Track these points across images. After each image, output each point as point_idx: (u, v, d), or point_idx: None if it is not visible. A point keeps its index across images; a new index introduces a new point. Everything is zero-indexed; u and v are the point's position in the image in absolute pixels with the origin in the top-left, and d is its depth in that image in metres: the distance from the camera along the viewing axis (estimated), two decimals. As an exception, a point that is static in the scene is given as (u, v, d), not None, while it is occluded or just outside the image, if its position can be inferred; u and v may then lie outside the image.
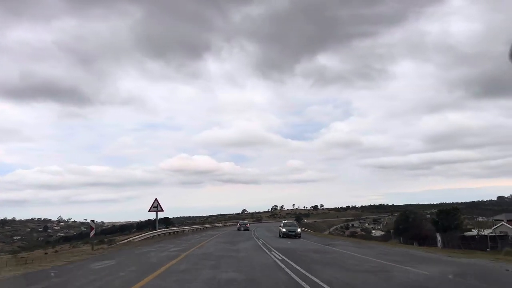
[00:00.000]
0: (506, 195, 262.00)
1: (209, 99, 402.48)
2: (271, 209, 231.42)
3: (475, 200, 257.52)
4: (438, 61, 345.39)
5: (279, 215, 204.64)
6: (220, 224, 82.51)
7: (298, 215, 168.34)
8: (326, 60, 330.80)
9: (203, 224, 79.41)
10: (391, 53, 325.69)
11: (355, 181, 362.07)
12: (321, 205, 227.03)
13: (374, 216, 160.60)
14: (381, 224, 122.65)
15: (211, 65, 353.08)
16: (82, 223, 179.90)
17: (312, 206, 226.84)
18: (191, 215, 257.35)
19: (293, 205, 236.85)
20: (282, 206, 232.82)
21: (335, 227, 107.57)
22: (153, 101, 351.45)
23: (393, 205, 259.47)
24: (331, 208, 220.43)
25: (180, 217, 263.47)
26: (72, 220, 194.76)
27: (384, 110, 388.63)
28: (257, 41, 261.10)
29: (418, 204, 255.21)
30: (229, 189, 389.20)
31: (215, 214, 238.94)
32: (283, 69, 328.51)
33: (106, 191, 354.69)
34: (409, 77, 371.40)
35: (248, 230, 50.71)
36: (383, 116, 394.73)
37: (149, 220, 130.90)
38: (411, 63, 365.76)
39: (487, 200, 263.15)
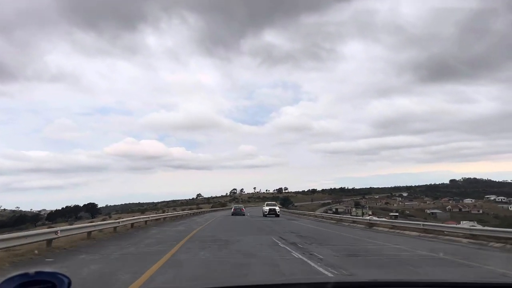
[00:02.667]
0: (457, 178, 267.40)
1: (152, 78, 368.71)
2: (230, 193, 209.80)
3: (431, 183, 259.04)
4: (387, 42, 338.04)
5: (240, 199, 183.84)
6: (187, 212, 56.82)
7: (263, 197, 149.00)
8: (274, 37, 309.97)
9: (154, 211, 56.63)
10: (340, 32, 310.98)
11: (307, 166, 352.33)
12: (285, 188, 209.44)
13: (346, 199, 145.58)
14: (367, 207, 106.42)
15: (150, 38, 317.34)
16: (13, 211, 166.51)
17: (276, 189, 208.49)
18: (142, 202, 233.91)
19: (254, 188, 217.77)
20: (242, 190, 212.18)
21: (321, 210, 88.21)
22: (89, 79, 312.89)
23: (353, 188, 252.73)
24: (298, 192, 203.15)
25: (130, 203, 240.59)
26: (1, 208, 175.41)
27: (334, 94, 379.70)
28: (199, 12, 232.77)
29: (377, 188, 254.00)
30: (181, 175, 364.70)
31: (168, 200, 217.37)
32: (229, 46, 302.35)
33: (49, 178, 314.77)
34: (358, 59, 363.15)
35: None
36: (333, 100, 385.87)
37: (76, 206, 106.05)
38: (360, 44, 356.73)
39: (439, 183, 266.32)
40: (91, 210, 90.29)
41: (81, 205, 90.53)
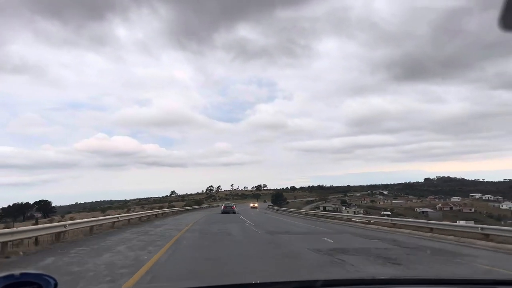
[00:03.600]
0: (431, 177, 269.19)
1: (123, 72, 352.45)
2: (207, 190, 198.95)
3: (407, 182, 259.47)
4: (362, 39, 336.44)
5: (217, 197, 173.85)
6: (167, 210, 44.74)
7: (242, 195, 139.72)
8: (248, 31, 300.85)
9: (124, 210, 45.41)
10: (314, 28, 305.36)
11: (283, 163, 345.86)
12: (264, 185, 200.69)
13: (331, 197, 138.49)
14: (355, 206, 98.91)
15: (119, 29, 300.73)
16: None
17: (255, 187, 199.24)
18: (114, 199, 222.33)
19: (232, 185, 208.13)
20: (219, 187, 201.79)
21: (307, 208, 79.46)
22: (55, 71, 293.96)
23: (331, 186, 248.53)
24: (278, 189, 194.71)
25: (102, 201, 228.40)
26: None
27: (309, 92, 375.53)
28: (170, 2, 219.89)
29: (355, 186, 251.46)
30: (155, 172, 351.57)
31: (140, 197, 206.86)
32: (202, 39, 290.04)
33: (16, 174, 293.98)
34: (333, 56, 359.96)
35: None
36: (308, 98, 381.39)
37: (26, 204, 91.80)
38: (335, 40, 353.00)
39: (414, 182, 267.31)
40: (43, 209, 78.14)
41: (33, 202, 78.41)
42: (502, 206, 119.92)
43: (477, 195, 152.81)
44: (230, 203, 53.26)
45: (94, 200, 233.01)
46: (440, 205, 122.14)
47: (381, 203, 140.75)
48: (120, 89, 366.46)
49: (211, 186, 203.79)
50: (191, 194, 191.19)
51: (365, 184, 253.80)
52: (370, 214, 72.18)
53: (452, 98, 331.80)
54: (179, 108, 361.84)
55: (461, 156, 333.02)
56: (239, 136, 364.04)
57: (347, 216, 35.45)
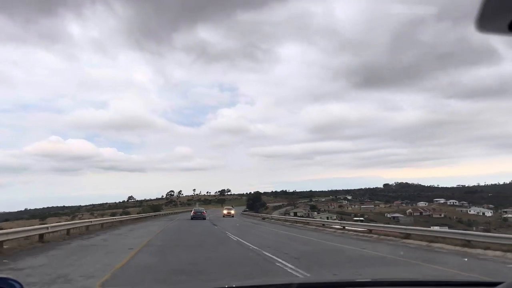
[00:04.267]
0: (391, 182, 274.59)
1: (77, 72, 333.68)
2: (167, 195, 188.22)
3: (367, 187, 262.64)
4: (323, 46, 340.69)
5: (178, 202, 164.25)
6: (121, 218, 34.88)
7: (205, 200, 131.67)
8: (208, 33, 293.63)
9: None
10: (276, 33, 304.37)
11: (245, 169, 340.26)
12: (228, 190, 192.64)
13: (299, 202, 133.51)
14: (326, 211, 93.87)
15: (72, 26, 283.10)
16: None
17: (218, 191, 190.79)
18: (68, 205, 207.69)
19: (194, 190, 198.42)
20: (180, 192, 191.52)
21: (276, 213, 72.91)
22: (1, 69, 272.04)
23: (294, 191, 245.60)
24: (242, 194, 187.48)
25: (55, 207, 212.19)
26: None
27: (270, 97, 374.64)
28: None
29: (318, 191, 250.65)
30: (112, 177, 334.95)
31: (96, 203, 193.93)
32: (161, 39, 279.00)
33: None
34: (294, 62, 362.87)
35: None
36: (270, 103, 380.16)
37: None
38: (296, 46, 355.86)
39: (374, 187, 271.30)
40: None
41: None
42: (470, 211, 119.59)
43: (441, 200, 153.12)
44: (200, 208, 50.15)
45: (45, 206, 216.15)
46: (410, 210, 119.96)
47: (349, 208, 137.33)
48: (75, 90, 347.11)
49: (172, 191, 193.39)
50: (150, 200, 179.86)
51: (326, 190, 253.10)
52: (344, 220, 67.16)
53: (408, 106, 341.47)
54: (137, 111, 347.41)
55: (416, 163, 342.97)
56: (201, 141, 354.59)
57: (340, 223, 29.19)
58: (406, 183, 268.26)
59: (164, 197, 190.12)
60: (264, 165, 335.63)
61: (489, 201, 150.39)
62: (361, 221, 75.09)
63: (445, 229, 27.67)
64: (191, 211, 46.77)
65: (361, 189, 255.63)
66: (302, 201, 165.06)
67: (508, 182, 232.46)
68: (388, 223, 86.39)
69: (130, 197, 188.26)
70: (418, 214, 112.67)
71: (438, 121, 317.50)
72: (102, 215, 75.13)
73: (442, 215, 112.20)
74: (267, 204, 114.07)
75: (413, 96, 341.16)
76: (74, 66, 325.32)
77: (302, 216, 68.61)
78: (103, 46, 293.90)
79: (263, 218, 46.05)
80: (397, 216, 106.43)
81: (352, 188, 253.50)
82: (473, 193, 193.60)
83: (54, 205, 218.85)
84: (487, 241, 13.64)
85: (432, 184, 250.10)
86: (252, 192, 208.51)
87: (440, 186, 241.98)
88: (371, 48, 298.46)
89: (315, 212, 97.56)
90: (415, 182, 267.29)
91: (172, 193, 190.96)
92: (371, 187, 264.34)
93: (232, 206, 52.96)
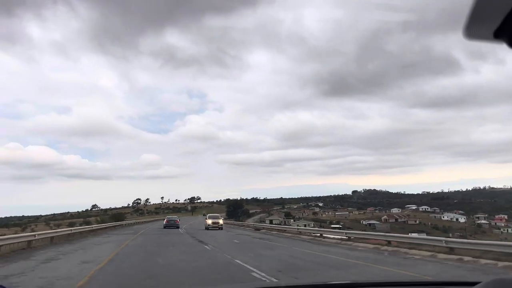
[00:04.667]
0: (359, 189, 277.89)
1: (37, 75, 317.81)
2: (133, 203, 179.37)
3: (337, 194, 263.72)
4: (292, 54, 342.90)
5: (145, 210, 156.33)
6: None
7: (174, 208, 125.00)
8: (176, 37, 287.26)
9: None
10: (245, 39, 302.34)
11: (215, 176, 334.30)
12: (198, 198, 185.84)
13: (274, 210, 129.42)
14: (302, 219, 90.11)
15: (31, 27, 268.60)
16: None
17: (188, 199, 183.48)
18: (27, 214, 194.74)
19: (162, 198, 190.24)
20: (147, 200, 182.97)
21: (250, 220, 68.17)
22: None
23: (265, 198, 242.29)
24: (213, 202, 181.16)
25: (12, 216, 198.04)
26: None
27: (240, 104, 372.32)
28: (90, 0, 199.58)
29: (289, 198, 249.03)
30: (76, 185, 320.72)
31: (58, 212, 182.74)
32: (126, 43, 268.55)
33: None
34: (263, 69, 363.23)
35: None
36: (239, 111, 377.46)
37: None
38: (265, 53, 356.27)
39: (343, 194, 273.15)
40: None
41: None
42: (443, 217, 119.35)
43: (413, 207, 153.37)
44: (174, 216, 49.12)
45: (2, 216, 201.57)
46: (385, 217, 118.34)
47: (323, 215, 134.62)
48: (35, 94, 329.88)
49: (139, 199, 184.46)
50: (116, 208, 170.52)
51: (296, 197, 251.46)
52: (323, 227, 63.58)
53: (374, 114, 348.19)
54: (102, 117, 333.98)
55: (381, 170, 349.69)
56: (169, 148, 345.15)
57: (346, 233, 24.97)
58: (374, 189, 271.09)
59: (130, 205, 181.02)
60: (234, 173, 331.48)
61: (456, 207, 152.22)
62: (339, 228, 72.09)
63: (434, 237, 24.21)
64: (164, 219, 45.88)
65: (330, 195, 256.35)
66: (275, 208, 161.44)
67: (470, 189, 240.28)
68: (365, 230, 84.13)
69: (94, 206, 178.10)
70: (394, 220, 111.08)
71: (403, 130, 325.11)
72: (59, 226, 67.97)
73: (417, 222, 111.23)
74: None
75: (379, 105, 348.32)
76: (34, 69, 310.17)
77: (279, 224, 64.52)
78: (65, 48, 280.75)
79: (257, 229, 38.99)
80: (373, 223, 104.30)
81: (322, 195, 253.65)
82: (440, 199, 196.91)
83: (13, 215, 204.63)
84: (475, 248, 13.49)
85: (399, 191, 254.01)
86: (224, 199, 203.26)
87: (406, 193, 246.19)
88: (339, 57, 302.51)
89: (291, 220, 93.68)
90: (383, 189, 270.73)
91: (139, 202, 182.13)
92: (340, 194, 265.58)
93: (219, 215, 42.91)
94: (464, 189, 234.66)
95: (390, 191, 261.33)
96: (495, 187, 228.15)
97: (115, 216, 59.89)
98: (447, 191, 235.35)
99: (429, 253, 14.42)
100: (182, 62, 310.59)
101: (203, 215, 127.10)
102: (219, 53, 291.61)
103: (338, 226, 79.54)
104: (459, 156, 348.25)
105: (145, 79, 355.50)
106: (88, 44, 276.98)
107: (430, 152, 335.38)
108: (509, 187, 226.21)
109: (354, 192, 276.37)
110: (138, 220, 69.48)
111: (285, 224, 71.56)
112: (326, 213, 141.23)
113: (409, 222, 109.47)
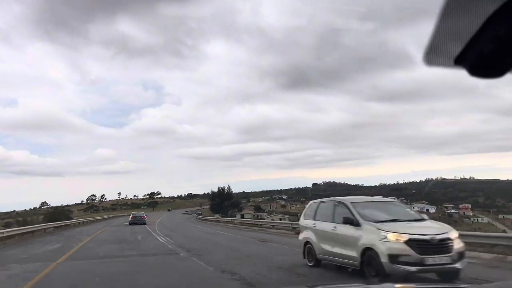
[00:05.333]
0: (318, 182, 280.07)
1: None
2: (87, 200, 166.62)
3: (299, 187, 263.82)
4: (250, 45, 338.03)
5: (101, 207, 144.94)
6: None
7: (132, 204, 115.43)
8: (129, 26, 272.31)
9: None
10: (202, 29, 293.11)
11: (173, 171, 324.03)
12: (158, 193, 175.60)
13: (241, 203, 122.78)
14: (274, 213, 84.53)
15: None
16: None
17: (148, 194, 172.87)
18: None
19: (119, 194, 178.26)
20: (103, 196, 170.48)
21: (218, 215, 60.98)
22: None
23: (230, 192, 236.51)
24: (174, 197, 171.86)
25: None
26: None
27: (197, 97, 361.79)
28: None
29: (252, 192, 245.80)
30: (24, 182, 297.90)
31: (4, 211, 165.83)
32: (75, 31, 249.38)
33: None
34: (221, 61, 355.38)
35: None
36: (197, 103, 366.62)
37: None
38: (223, 44, 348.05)
39: (304, 187, 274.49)
40: None
41: None
42: (414, 208, 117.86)
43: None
44: (140, 212, 46.61)
45: None
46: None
47: (292, 208, 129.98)
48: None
49: (93, 195, 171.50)
50: (68, 205, 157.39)
51: (258, 190, 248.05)
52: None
53: (332, 108, 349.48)
54: (52, 109, 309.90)
55: (339, 163, 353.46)
56: (124, 142, 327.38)
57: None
58: (334, 182, 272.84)
59: (84, 202, 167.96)
60: (193, 167, 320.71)
61: (416, 198, 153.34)
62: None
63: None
64: (129, 215, 43.16)
65: (291, 188, 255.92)
66: (243, 202, 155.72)
67: (423, 180, 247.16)
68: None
69: (44, 203, 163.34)
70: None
71: (360, 123, 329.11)
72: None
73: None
74: (206, 207, 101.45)
75: (337, 98, 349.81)
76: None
77: (252, 218, 57.59)
78: (7, 36, 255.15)
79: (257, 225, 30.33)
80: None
81: (283, 188, 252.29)
82: (399, 190, 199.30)
83: None
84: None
85: (357, 183, 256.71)
86: (185, 195, 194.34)
87: (364, 185, 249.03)
88: (298, 49, 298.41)
89: (264, 214, 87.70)
90: (342, 181, 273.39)
91: (94, 198, 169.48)
92: (301, 186, 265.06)
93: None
94: (417, 180, 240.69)
95: (349, 183, 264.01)
96: (446, 178, 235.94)
97: (55, 213, 50.19)
98: (402, 182, 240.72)
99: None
100: (136, 52, 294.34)
101: (168, 211, 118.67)
102: (175, 43, 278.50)
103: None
104: (411, 148, 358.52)
105: (97, 70, 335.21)
106: (34, 32, 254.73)
107: (384, 145, 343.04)
108: (459, 178, 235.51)
109: (314, 184, 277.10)
110: (90, 218, 58.51)
111: (258, 218, 65.12)
112: (296, 206, 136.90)
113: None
